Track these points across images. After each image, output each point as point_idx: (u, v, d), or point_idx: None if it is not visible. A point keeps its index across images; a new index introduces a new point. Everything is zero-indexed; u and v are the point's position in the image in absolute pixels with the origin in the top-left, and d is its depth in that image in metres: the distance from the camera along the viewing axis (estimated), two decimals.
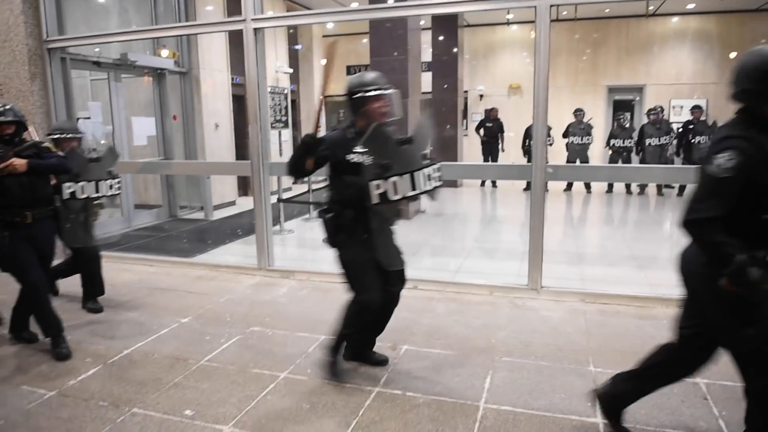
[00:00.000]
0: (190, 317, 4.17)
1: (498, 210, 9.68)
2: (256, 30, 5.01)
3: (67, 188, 3.99)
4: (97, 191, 4.14)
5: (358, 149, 2.73)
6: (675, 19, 12.47)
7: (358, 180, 2.74)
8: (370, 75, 2.91)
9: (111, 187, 4.24)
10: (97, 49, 6.99)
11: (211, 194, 8.67)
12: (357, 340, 3.25)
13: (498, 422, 2.67)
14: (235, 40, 8.96)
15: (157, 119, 8.24)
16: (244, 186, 9.90)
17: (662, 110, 10.14)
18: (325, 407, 2.83)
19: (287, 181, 11.06)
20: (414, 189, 2.71)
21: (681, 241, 2.14)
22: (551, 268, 4.68)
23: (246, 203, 8.49)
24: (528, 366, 3.24)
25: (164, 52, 8.17)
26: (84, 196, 4.07)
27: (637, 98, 13.10)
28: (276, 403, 2.89)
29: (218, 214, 8.69)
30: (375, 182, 2.67)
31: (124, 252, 6.12)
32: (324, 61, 13.96)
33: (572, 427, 2.62)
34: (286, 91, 11.52)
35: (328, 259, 3.70)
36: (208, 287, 4.89)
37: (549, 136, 10.26)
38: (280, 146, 11.22)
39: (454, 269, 5.32)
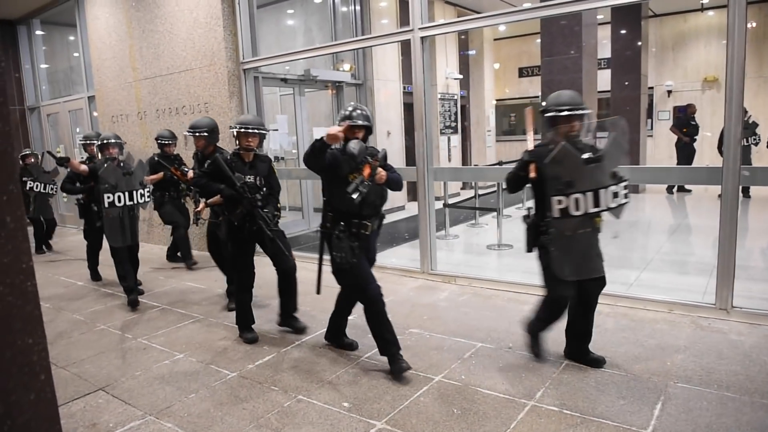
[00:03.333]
0: (356, 315, 4.37)
1: (686, 218, 8.69)
2: (423, 39, 5.14)
3: (558, 204, 2.94)
4: (596, 204, 2.95)
5: None
6: None
7: None
8: None
9: (617, 195, 3.00)
10: (287, 68, 7.74)
11: None
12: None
13: None
14: (407, 50, 9.30)
15: None
16: (414, 191, 10.16)
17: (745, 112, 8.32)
18: (476, 415, 2.80)
19: (454, 186, 11.16)
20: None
21: None
22: (747, 287, 4.10)
23: (415, 208, 8.72)
24: (708, 396, 2.87)
25: (345, 66, 8.76)
26: (586, 209, 2.95)
27: None
28: (428, 405, 2.93)
29: (388, 218, 9.02)
30: None
31: (303, 252, 6.66)
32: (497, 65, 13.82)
33: None
34: (456, 97, 11.61)
35: (491, 266, 3.66)
36: None
37: (755, 134, 8.93)
38: (449, 152, 11.34)
39: (629, 282, 4.90)
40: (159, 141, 6.09)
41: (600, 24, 9.04)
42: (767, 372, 3.09)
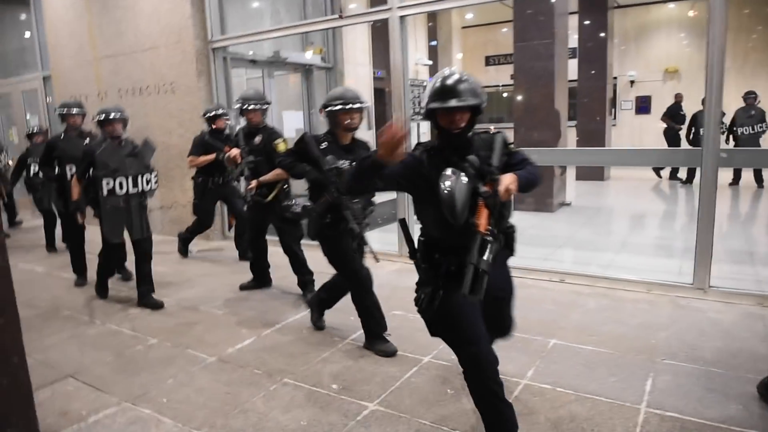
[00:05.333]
0: (341, 302, 4.29)
1: (654, 205, 8.89)
2: (402, 18, 5.04)
3: None
4: None
5: None
6: None
7: None
8: None
9: None
10: (251, 52, 7.49)
11: None
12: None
13: (663, 429, 2.41)
14: (377, 34, 9.15)
15: (305, 113, 8.67)
16: None
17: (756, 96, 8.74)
18: (469, 395, 2.74)
19: None
20: None
21: None
22: (718, 268, 4.16)
23: (390, 193, 8.64)
24: (696, 372, 2.89)
25: (311, 50, 8.57)
26: None
27: None
28: (420, 385, 2.87)
29: None
30: None
31: None
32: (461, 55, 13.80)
33: None
34: (425, 84, 11.55)
35: None
36: None
37: (722, 123, 9.15)
38: (418, 138, 11.29)
39: (604, 264, 4.95)
40: (208, 115, 5.32)
41: (569, 14, 9.10)
42: (749, 348, 3.14)
